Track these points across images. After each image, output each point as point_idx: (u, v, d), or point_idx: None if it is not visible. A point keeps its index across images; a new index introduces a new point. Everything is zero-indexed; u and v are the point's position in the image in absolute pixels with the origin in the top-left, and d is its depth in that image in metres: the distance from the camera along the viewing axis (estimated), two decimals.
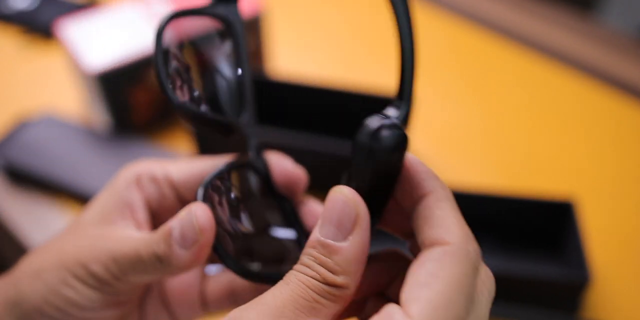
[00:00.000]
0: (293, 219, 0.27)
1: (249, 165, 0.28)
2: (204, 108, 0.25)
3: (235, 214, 0.28)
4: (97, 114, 0.66)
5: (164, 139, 0.67)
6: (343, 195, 0.22)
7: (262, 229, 0.28)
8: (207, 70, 0.27)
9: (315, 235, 0.22)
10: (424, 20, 0.84)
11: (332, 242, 0.22)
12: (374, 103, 0.64)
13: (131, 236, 0.28)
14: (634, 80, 0.76)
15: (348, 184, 0.22)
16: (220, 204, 0.27)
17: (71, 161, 0.61)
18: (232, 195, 0.27)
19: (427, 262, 0.21)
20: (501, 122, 0.70)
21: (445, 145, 0.67)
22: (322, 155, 0.59)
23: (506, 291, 0.51)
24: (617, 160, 0.66)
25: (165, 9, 0.66)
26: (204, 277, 0.33)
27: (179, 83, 0.24)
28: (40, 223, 0.58)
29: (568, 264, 0.53)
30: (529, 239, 0.57)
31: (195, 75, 0.25)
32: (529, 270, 0.55)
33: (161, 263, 0.27)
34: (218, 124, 0.26)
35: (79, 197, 0.59)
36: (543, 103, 0.73)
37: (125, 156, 0.62)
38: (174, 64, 0.24)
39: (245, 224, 0.28)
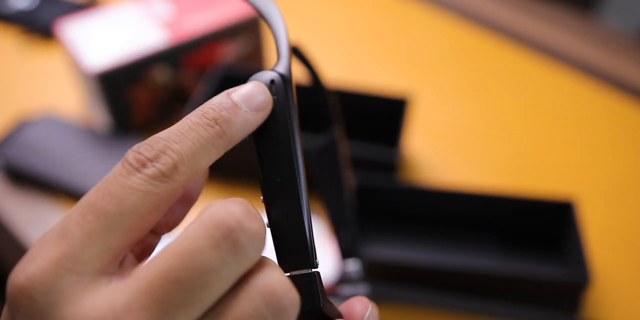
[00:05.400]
0: None
1: None
2: None
3: None
4: (97, 114, 0.66)
5: None
6: None
7: None
8: None
9: None
10: (424, 20, 0.84)
11: None
12: (375, 102, 0.64)
13: None
14: (634, 80, 0.76)
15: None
16: None
17: (71, 161, 0.61)
18: None
19: None
20: (501, 122, 0.70)
21: (445, 145, 0.67)
22: None
23: (506, 291, 0.51)
24: (616, 160, 0.66)
25: (165, 9, 0.66)
26: None
27: None
28: (40, 222, 0.58)
29: (568, 264, 0.53)
30: (529, 239, 0.57)
31: None
32: (530, 270, 0.55)
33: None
34: None
35: (79, 197, 0.59)
36: (543, 103, 0.73)
37: None
38: None
39: None
